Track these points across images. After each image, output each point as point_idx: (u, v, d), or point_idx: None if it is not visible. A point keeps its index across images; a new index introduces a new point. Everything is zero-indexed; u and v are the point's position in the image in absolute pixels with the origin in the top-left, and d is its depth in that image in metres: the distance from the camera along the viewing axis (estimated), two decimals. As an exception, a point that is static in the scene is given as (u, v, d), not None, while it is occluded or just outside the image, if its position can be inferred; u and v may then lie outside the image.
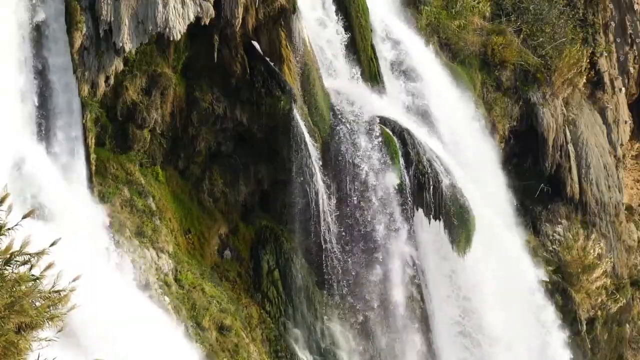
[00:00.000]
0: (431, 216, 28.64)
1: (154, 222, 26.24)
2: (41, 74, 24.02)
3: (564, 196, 35.68)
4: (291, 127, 26.85)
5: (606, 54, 38.27)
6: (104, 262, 24.13)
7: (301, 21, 27.00)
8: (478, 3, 34.88)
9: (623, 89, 39.28)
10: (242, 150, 27.88)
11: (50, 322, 13.09)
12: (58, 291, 13.24)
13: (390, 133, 28.25)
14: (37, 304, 13.13)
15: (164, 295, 25.49)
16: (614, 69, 38.99)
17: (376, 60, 29.82)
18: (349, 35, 29.09)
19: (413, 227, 28.64)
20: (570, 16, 36.16)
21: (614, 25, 38.95)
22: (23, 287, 13.05)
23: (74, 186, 24.34)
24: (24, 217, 13.41)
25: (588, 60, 36.82)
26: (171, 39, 24.82)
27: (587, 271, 35.51)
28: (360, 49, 29.36)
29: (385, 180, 27.95)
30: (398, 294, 28.85)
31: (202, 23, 25.18)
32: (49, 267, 13.34)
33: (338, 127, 27.88)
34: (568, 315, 34.18)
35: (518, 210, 34.54)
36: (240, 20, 25.79)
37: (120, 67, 24.92)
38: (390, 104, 29.58)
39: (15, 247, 13.15)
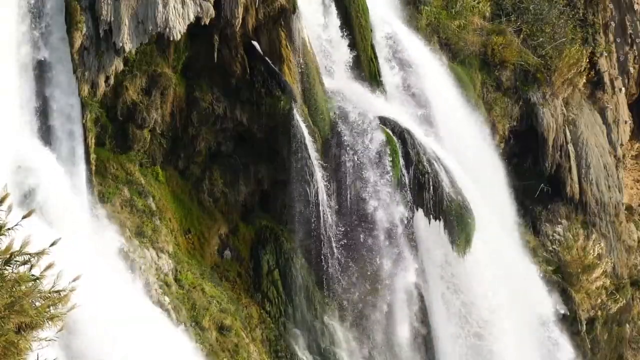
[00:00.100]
0: (431, 216, 28.66)
1: (154, 222, 26.23)
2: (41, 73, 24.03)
3: (564, 196, 35.68)
4: (291, 127, 26.83)
5: (606, 54, 38.27)
6: (117, 263, 24.21)
7: (301, 21, 26.99)
8: (478, 3, 34.88)
9: (623, 89, 39.28)
10: (242, 150, 27.87)
11: (50, 322, 13.09)
12: (58, 291, 13.23)
13: (390, 133, 28.25)
14: (37, 304, 13.12)
15: (164, 295, 25.49)
16: (614, 69, 38.99)
17: (376, 60, 29.84)
18: (349, 36, 29.12)
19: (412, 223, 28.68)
20: (570, 16, 36.17)
21: (614, 25, 38.95)
22: (23, 287, 13.04)
23: (74, 186, 24.31)
24: (24, 217, 13.40)
25: (588, 60, 36.80)
26: (171, 39, 24.81)
27: (587, 271, 35.50)
28: (360, 49, 29.38)
29: (385, 180, 27.95)
30: (400, 289, 28.89)
31: (202, 23, 25.17)
32: (49, 267, 13.34)
33: (338, 127, 27.91)
34: (568, 315, 34.18)
35: (518, 210, 34.56)
36: (240, 20, 25.79)
37: (120, 67, 24.91)
38: (390, 104, 29.58)
39: (15, 247, 13.14)
